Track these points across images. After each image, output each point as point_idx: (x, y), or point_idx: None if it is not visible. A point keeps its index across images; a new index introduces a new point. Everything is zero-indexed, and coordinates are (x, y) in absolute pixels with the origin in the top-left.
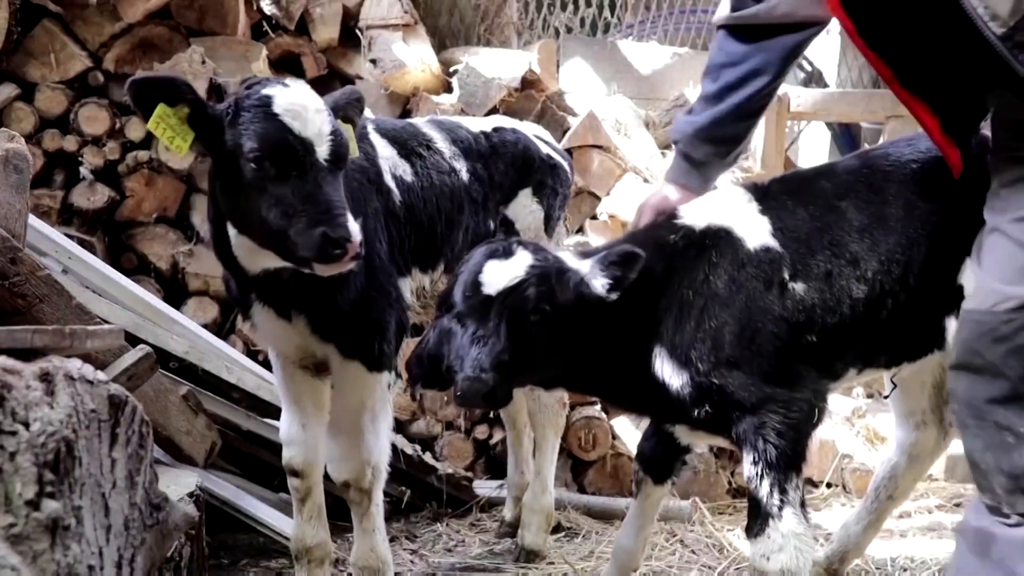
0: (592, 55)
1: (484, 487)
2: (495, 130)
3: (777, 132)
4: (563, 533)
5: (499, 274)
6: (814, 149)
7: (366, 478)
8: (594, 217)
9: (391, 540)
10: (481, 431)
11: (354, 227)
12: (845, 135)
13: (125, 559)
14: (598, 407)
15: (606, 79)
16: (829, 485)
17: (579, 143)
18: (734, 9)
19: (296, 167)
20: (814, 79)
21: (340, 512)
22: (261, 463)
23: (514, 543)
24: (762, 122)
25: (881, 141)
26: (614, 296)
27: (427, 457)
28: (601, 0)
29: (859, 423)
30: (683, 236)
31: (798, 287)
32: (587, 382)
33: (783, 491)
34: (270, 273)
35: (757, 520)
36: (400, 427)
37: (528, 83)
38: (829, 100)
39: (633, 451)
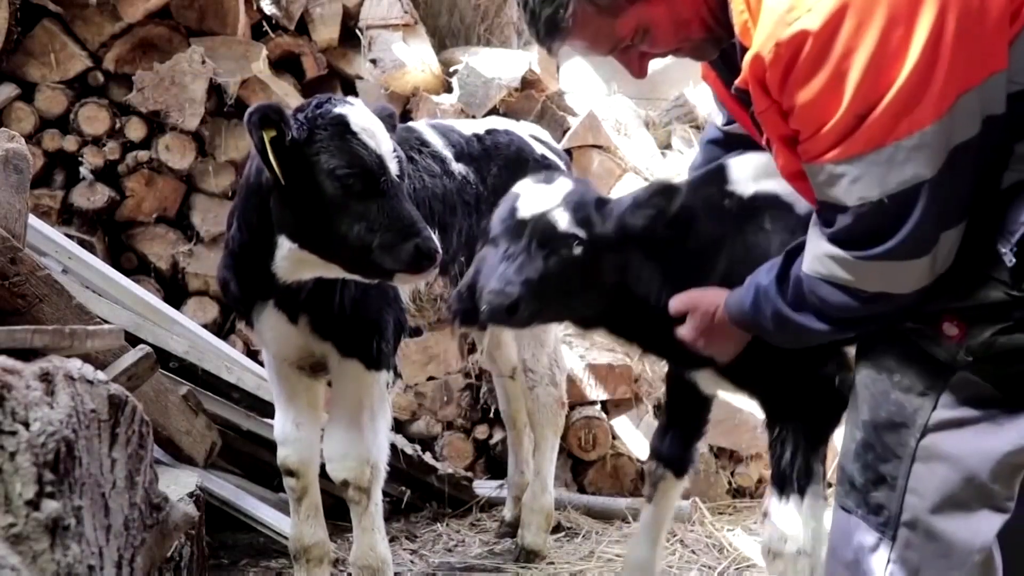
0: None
1: (484, 487)
2: (488, 132)
3: None
4: (563, 533)
5: (536, 198)
6: None
7: (365, 477)
8: None
9: (391, 540)
10: (481, 431)
11: (436, 239)
12: None
13: (125, 559)
14: (598, 407)
15: (606, 79)
16: (829, 485)
17: (579, 143)
18: (725, 124)
19: (377, 184)
20: None
21: (339, 512)
22: (261, 463)
23: (514, 543)
24: None
25: None
26: (649, 227)
27: (427, 457)
28: None
29: None
30: (735, 201)
31: None
32: (626, 328)
33: (808, 470)
34: (300, 282)
35: (779, 499)
36: (400, 427)
37: (528, 83)
38: None
39: (633, 451)
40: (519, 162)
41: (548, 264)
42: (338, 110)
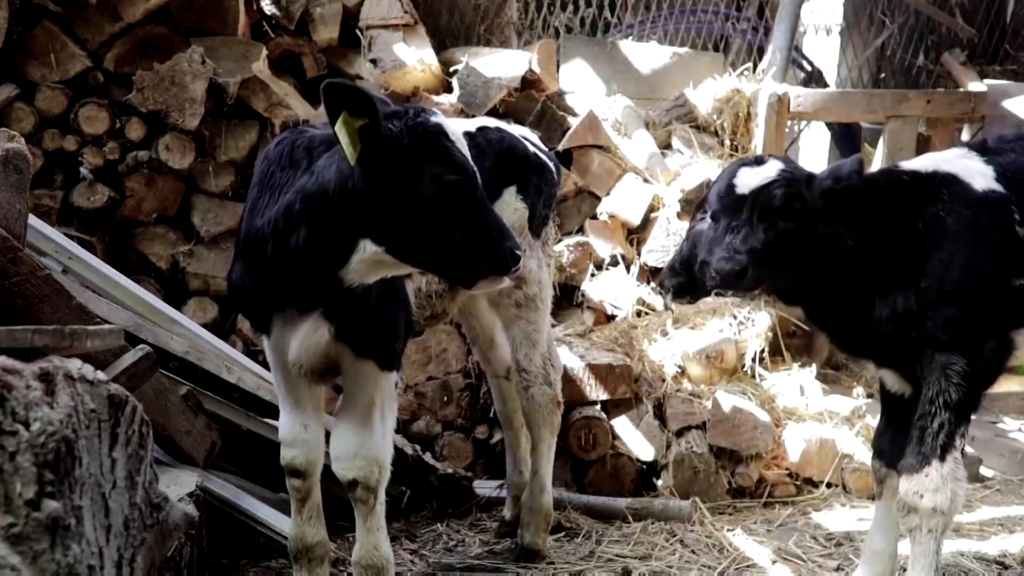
0: (592, 55)
1: (484, 487)
2: (480, 130)
3: (777, 132)
4: (563, 533)
5: (752, 176)
6: (814, 149)
7: (374, 476)
8: (594, 217)
9: (391, 540)
10: (481, 431)
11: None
12: (845, 135)
13: (125, 559)
14: (598, 407)
15: (606, 79)
16: (829, 485)
17: (579, 143)
18: None
19: (474, 190)
20: (814, 79)
21: (338, 512)
22: (261, 463)
23: (514, 543)
24: (762, 122)
25: (881, 141)
26: (847, 199)
27: (427, 457)
28: (601, 0)
29: (859, 423)
30: (913, 177)
31: (1022, 230)
32: (819, 310)
33: (951, 435)
34: (365, 285)
35: (918, 457)
36: (400, 427)
37: (528, 83)
38: (829, 100)
39: (633, 451)
40: (511, 159)
41: (768, 235)
42: (435, 119)
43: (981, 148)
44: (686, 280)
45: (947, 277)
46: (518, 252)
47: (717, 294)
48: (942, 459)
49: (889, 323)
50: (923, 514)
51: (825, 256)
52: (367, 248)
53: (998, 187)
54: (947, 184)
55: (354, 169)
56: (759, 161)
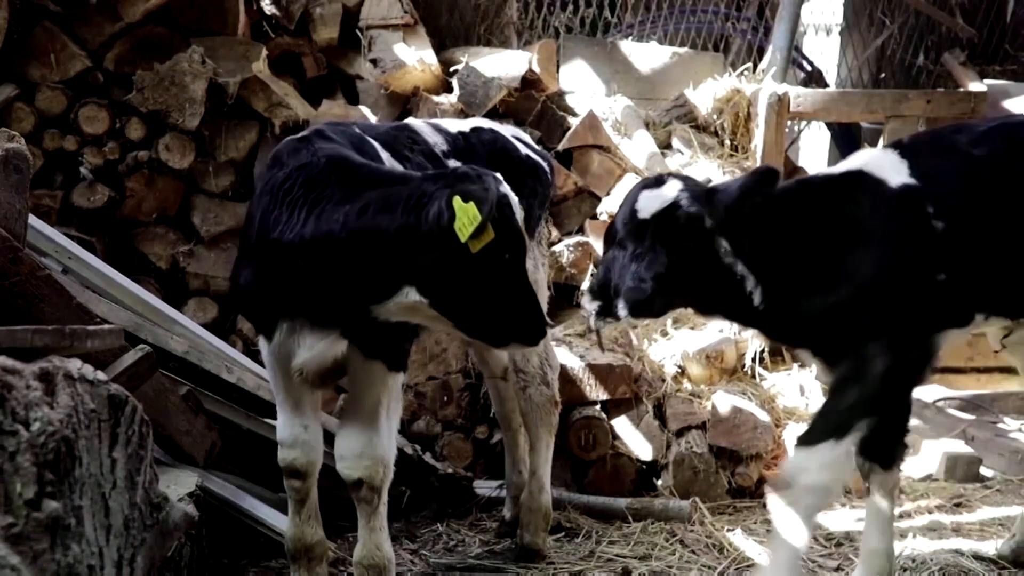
0: (592, 55)
1: (484, 487)
2: (473, 130)
3: (777, 132)
4: (563, 533)
5: (652, 200)
6: (814, 149)
7: (379, 476)
8: (594, 217)
9: (391, 540)
10: (481, 431)
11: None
12: (845, 135)
13: (125, 559)
14: (598, 407)
15: (606, 79)
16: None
17: (579, 143)
18: None
19: (522, 263)
20: (814, 79)
21: (338, 512)
22: (261, 463)
23: (514, 543)
24: (762, 122)
25: (881, 141)
26: (754, 211)
27: (427, 457)
28: (601, 0)
29: None
30: (824, 179)
31: (939, 224)
32: (735, 308)
33: (853, 422)
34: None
35: (816, 433)
36: (400, 427)
37: (528, 83)
38: (829, 100)
39: (633, 451)
40: (504, 160)
41: (672, 258)
42: (503, 188)
43: (896, 146)
44: (605, 304)
45: (870, 273)
46: (546, 327)
47: (631, 323)
48: (838, 442)
49: (819, 320)
50: (798, 490)
51: (734, 269)
52: (409, 295)
53: (912, 181)
54: (860, 182)
55: (421, 221)
56: (659, 182)
